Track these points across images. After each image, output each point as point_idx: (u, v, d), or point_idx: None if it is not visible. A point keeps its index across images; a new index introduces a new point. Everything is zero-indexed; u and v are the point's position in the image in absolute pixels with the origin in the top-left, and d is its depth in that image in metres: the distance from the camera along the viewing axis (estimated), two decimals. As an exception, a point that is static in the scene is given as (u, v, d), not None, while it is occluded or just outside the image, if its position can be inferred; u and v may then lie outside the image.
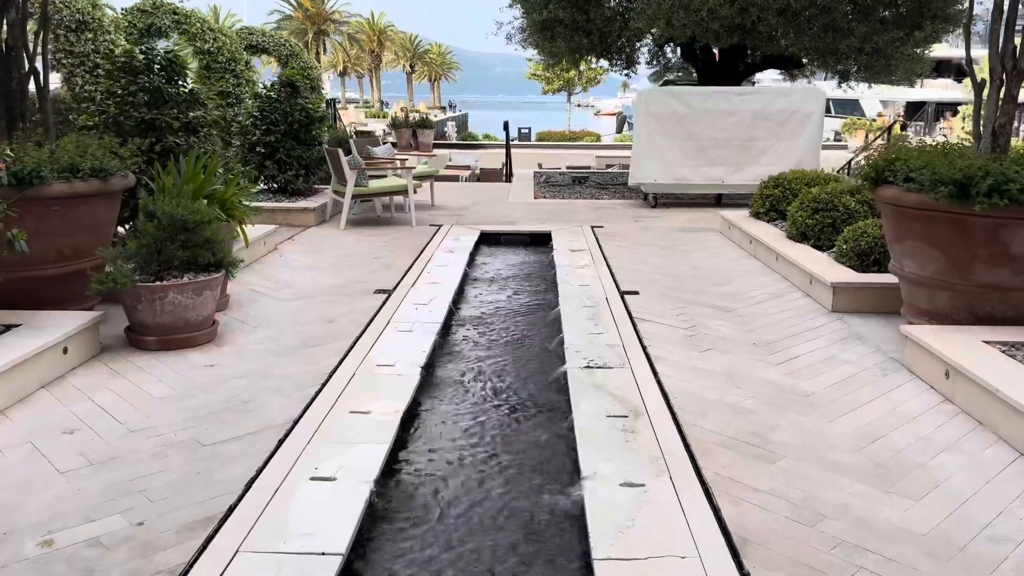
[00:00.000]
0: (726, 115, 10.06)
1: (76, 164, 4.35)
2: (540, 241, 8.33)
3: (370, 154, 9.90)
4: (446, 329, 5.09)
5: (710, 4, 9.61)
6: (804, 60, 11.89)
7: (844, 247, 5.66)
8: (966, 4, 10.56)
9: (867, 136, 22.94)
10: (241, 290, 5.66)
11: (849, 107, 42.53)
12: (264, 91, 9.25)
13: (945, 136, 30.53)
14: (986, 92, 4.75)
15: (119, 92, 5.61)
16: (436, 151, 23.12)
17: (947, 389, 3.78)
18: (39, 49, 5.03)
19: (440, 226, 8.75)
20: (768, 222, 7.55)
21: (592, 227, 8.79)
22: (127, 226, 5.53)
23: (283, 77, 9.17)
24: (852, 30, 10.23)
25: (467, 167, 19.66)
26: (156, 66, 5.78)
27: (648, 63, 13.98)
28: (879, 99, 41.09)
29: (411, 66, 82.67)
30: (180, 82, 5.90)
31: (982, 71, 16.97)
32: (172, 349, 4.35)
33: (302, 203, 8.85)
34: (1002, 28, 4.55)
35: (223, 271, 4.57)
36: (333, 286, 6.02)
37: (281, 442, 3.23)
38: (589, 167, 19.08)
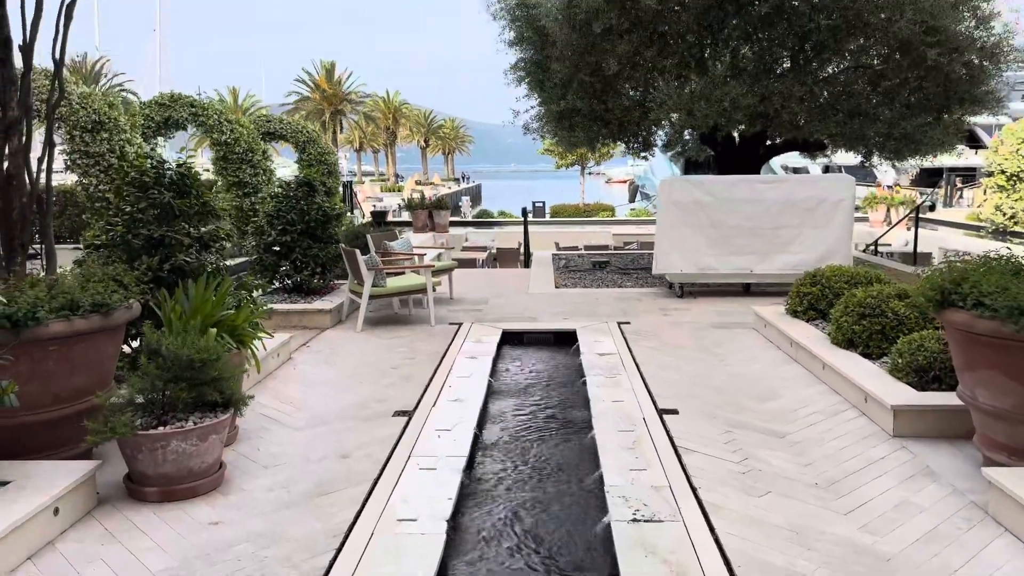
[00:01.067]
0: (751, 203, 9.78)
1: (76, 300, 4.06)
2: (565, 340, 7.97)
3: (387, 250, 9.67)
4: (471, 462, 4.68)
5: (732, 94, 9.45)
6: (827, 142, 11.68)
7: (899, 361, 5.25)
8: (993, 85, 10.38)
9: (888, 211, 22.64)
10: (252, 416, 5.28)
11: (860, 173, 42.45)
12: (281, 190, 9.09)
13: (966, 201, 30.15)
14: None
15: (128, 209, 5.38)
16: (452, 230, 23.12)
17: (1049, 552, 3.31)
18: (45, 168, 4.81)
19: (460, 324, 8.42)
20: (807, 321, 7.15)
21: (619, 323, 8.43)
22: (133, 345, 5.22)
23: (300, 177, 9.02)
24: (878, 115, 10.03)
25: (484, 248, 19.50)
26: (166, 180, 5.57)
27: (666, 146, 13.85)
28: (893, 166, 40.93)
29: (426, 140, 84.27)
30: (194, 193, 5.68)
31: (1014, 131, 16.64)
32: (175, 500, 3.97)
33: (318, 304, 8.57)
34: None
35: (231, 411, 4.21)
36: (350, 406, 5.64)
37: (291, 640, 2.81)
38: (607, 246, 18.87)
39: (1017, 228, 19.41)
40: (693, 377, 6.30)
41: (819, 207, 9.69)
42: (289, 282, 9.06)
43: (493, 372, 6.69)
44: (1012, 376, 3.87)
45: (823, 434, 4.92)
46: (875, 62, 10.72)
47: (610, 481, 4.18)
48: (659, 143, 13.89)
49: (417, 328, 8.38)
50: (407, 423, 5.22)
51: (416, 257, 9.84)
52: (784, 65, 10.82)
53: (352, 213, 23.02)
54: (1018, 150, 19.23)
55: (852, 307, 6.08)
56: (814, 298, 7.15)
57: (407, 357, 7.12)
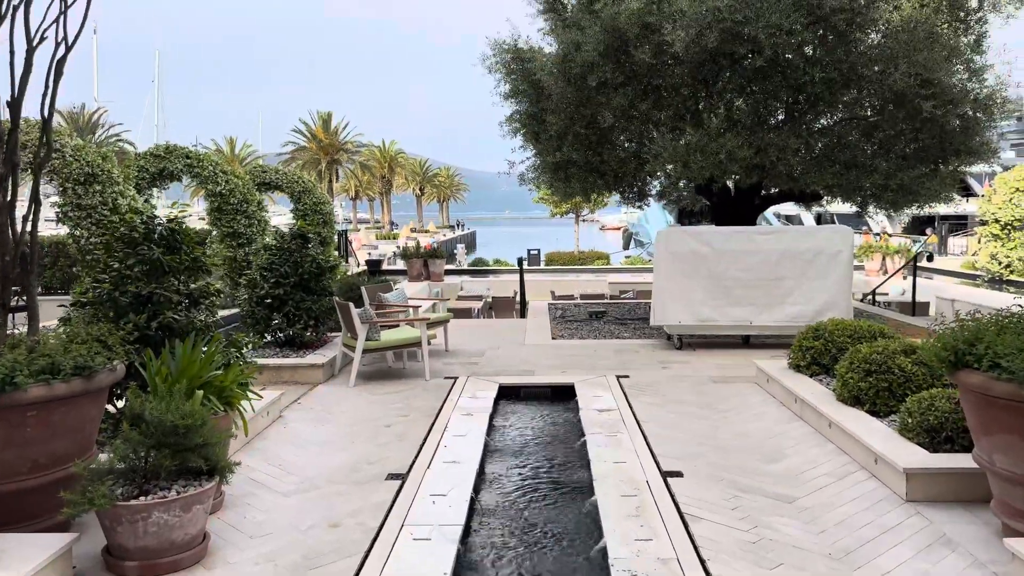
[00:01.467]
0: (750, 254, 9.71)
1: (57, 363, 3.90)
2: (563, 395, 7.80)
3: (382, 302, 9.54)
4: (468, 530, 4.48)
5: (728, 147, 9.45)
6: (823, 192, 11.69)
7: (909, 420, 5.09)
8: (987, 136, 10.42)
9: (884, 259, 22.67)
10: (238, 480, 5.06)
11: (853, 221, 42.70)
12: (275, 242, 8.98)
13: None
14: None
15: (116, 266, 5.25)
16: (447, 278, 23.01)
17: (1083, 633, 3.12)
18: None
19: (455, 378, 8.25)
20: (811, 376, 7.00)
21: (618, 377, 8.27)
22: (118, 404, 5.03)
23: (294, 229, 8.92)
24: (875, 167, 10.03)
25: (479, 297, 19.38)
26: (156, 235, 5.45)
27: (660, 195, 13.85)
28: (888, 215, 41.20)
29: (421, 189, 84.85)
30: (184, 249, 5.55)
31: (1007, 180, 16.75)
32: (155, 575, 3.75)
33: (310, 358, 8.39)
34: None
35: (217, 479, 4.02)
36: (341, 468, 5.44)
37: None
38: (603, 295, 18.78)
39: (1013, 277, 19.42)
40: (696, 436, 6.12)
41: (817, 258, 9.62)
42: (281, 336, 8.89)
43: (490, 430, 6.50)
44: (1032, 441, 3.72)
45: (833, 498, 4.73)
46: (869, 114, 10.79)
47: (614, 553, 3.98)
48: (654, 192, 13.91)
49: (412, 382, 8.20)
50: (400, 487, 5.02)
51: (411, 309, 9.71)
52: (779, 117, 10.87)
53: (347, 262, 22.95)
54: (1011, 199, 19.36)
55: (857, 363, 5.94)
56: (817, 352, 7.02)
57: (401, 414, 6.93)
